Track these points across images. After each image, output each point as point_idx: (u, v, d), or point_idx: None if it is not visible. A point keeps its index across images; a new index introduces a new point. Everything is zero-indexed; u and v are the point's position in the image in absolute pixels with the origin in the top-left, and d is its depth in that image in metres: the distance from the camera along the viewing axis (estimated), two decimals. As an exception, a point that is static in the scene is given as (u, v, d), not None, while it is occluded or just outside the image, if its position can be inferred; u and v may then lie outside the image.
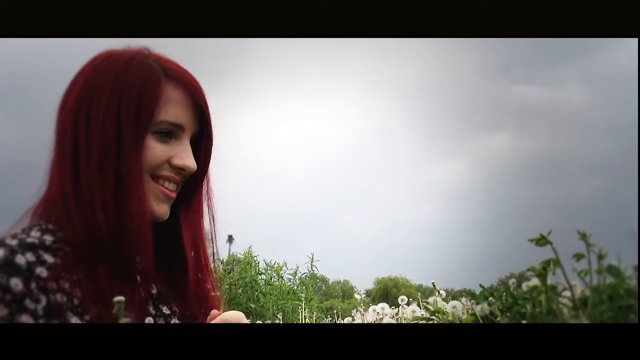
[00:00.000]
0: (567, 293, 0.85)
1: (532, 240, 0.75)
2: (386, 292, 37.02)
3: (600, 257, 0.72)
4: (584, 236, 0.73)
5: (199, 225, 1.05)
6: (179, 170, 0.95)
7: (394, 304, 3.59)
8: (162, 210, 0.96)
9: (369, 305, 3.19)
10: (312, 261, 14.30)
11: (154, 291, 0.97)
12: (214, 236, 1.08)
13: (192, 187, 1.02)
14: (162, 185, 0.95)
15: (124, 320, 0.75)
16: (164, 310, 0.97)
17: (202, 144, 1.01)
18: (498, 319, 1.02)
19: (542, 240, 0.74)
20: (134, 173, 0.90)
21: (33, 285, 0.79)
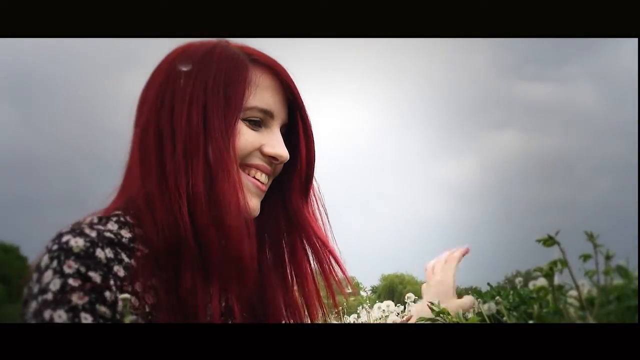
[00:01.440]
0: (574, 293, 0.84)
1: (539, 241, 0.75)
2: (392, 288, 37.02)
3: (608, 257, 0.72)
4: (591, 237, 0.73)
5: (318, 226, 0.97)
6: (271, 159, 0.89)
7: (399, 300, 3.59)
8: (253, 204, 0.89)
9: (375, 302, 3.19)
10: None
11: (223, 303, 0.88)
12: (331, 235, 1.00)
13: (304, 182, 0.96)
14: (254, 177, 0.89)
15: (129, 318, 0.75)
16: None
17: (300, 133, 0.95)
18: (505, 318, 1.02)
19: (549, 241, 0.74)
20: (226, 160, 0.83)
21: (111, 282, 0.76)
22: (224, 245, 0.81)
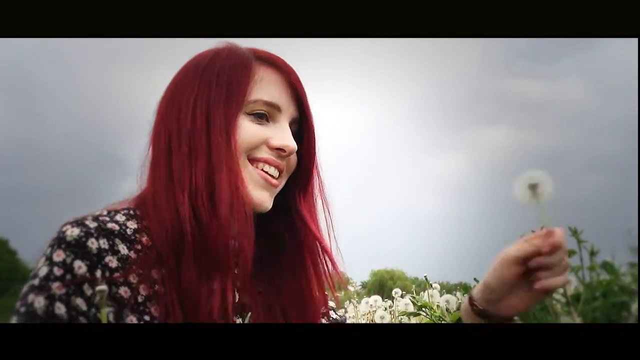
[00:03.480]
0: (560, 289, 0.84)
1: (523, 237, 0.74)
2: (382, 284, 37.22)
3: (593, 253, 0.71)
4: (575, 232, 0.72)
5: (317, 222, 0.96)
6: (279, 152, 0.89)
7: (389, 296, 3.59)
8: (260, 197, 0.88)
9: (363, 297, 3.19)
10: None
11: (235, 299, 0.88)
12: (331, 234, 0.98)
13: (303, 178, 0.96)
14: (263, 170, 0.89)
15: (105, 311, 0.74)
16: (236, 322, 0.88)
17: (304, 129, 0.95)
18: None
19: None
20: (225, 154, 0.84)
21: (98, 273, 0.77)
22: (222, 237, 0.82)
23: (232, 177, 0.84)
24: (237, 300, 0.89)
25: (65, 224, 0.80)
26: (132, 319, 0.77)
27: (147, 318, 0.78)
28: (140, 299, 0.79)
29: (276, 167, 0.90)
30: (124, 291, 0.79)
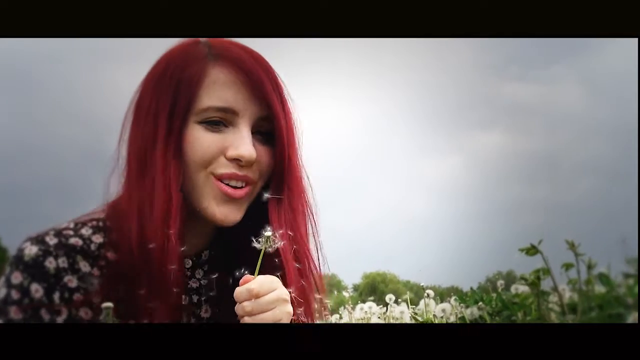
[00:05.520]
0: (555, 297, 0.85)
1: (522, 250, 0.75)
2: (374, 287, 37.16)
3: (590, 267, 0.72)
4: (572, 246, 0.73)
5: (295, 224, 0.87)
6: (236, 162, 0.80)
7: (381, 299, 3.58)
8: (224, 211, 0.81)
9: (356, 301, 3.20)
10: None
11: (206, 315, 0.87)
12: (315, 237, 0.91)
13: (279, 181, 0.86)
14: (228, 185, 0.80)
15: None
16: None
17: (276, 129, 0.83)
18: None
19: (532, 250, 0.74)
20: (164, 170, 0.78)
21: (56, 295, 0.74)
22: (167, 254, 0.77)
23: (164, 197, 0.78)
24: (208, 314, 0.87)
25: (25, 241, 0.76)
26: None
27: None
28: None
29: (240, 180, 0.81)
30: (84, 312, 0.75)
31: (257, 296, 0.75)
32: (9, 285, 0.73)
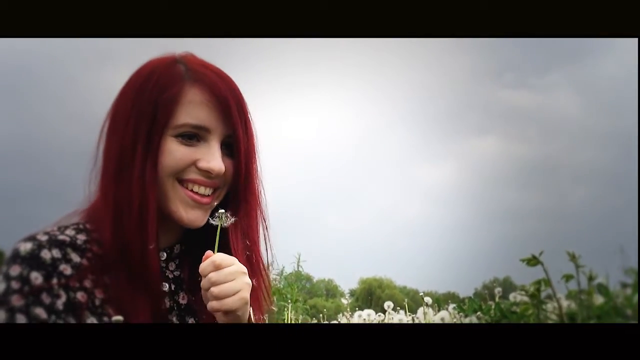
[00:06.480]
0: (553, 305, 0.86)
1: (523, 261, 0.76)
2: (370, 292, 37.08)
3: (591, 278, 0.73)
4: (573, 257, 0.74)
5: (250, 229, 0.99)
6: (206, 173, 0.91)
7: (377, 304, 3.59)
8: (192, 216, 0.92)
9: (355, 310, 3.19)
10: (298, 261, 14.23)
11: (184, 301, 0.96)
12: (267, 241, 1.03)
13: (237, 190, 0.97)
14: (192, 190, 0.92)
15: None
16: (188, 322, 0.96)
17: (236, 145, 0.95)
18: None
19: (533, 261, 0.75)
20: (144, 178, 0.88)
21: (54, 280, 0.82)
22: (145, 258, 0.88)
23: (141, 200, 0.88)
24: (185, 301, 0.96)
25: (17, 242, 0.84)
26: (92, 320, 0.83)
27: (105, 319, 0.85)
28: (97, 302, 0.85)
29: (208, 187, 0.93)
30: (81, 295, 0.84)
31: (219, 267, 0.85)
32: (8, 278, 0.80)
